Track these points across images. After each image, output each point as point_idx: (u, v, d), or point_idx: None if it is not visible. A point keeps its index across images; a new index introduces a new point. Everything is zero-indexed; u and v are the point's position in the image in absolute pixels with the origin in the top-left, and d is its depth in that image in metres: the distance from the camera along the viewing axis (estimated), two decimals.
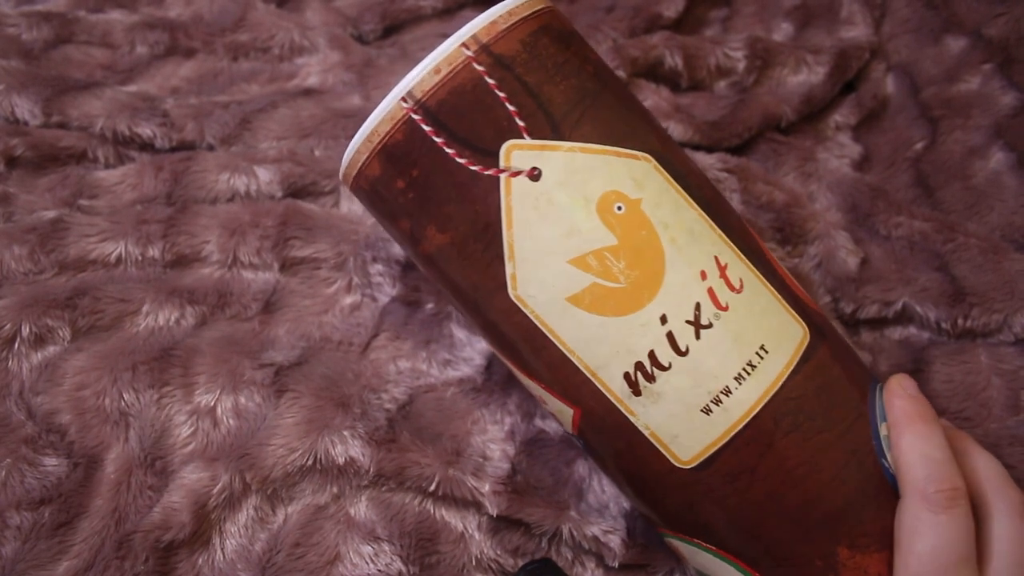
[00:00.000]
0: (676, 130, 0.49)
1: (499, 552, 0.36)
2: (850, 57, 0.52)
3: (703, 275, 0.27)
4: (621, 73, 0.50)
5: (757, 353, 0.27)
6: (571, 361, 0.28)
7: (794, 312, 0.29)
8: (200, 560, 0.35)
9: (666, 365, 0.27)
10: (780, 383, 0.27)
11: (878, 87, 0.53)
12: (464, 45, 0.27)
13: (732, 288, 0.27)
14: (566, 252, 0.27)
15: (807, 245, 0.45)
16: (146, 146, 0.47)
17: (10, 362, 0.38)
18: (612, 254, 0.27)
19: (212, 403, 0.38)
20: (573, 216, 0.27)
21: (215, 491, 0.35)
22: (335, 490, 0.37)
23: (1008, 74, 0.51)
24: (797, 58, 0.52)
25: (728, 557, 0.29)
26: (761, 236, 0.44)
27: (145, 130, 0.46)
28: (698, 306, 0.27)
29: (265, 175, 0.45)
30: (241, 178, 0.45)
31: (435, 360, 0.41)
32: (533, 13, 0.28)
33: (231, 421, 0.38)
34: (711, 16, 0.58)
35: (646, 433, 0.28)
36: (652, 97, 0.51)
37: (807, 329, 0.28)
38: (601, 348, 0.27)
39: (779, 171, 0.49)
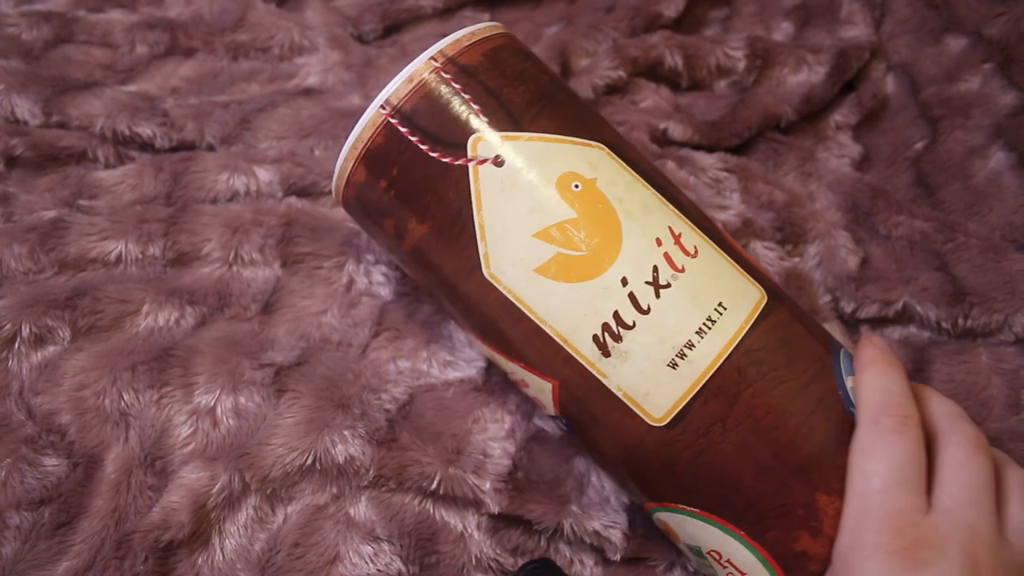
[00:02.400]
0: (676, 130, 0.49)
1: (499, 551, 0.36)
2: (850, 57, 0.52)
3: (659, 242, 0.30)
4: (621, 73, 0.50)
5: (716, 309, 0.29)
6: (544, 331, 0.30)
7: (750, 277, 0.31)
8: (199, 560, 0.35)
9: (630, 324, 0.29)
10: (741, 336, 0.29)
11: (878, 87, 0.53)
12: (432, 58, 0.31)
13: (687, 253, 0.30)
14: (531, 227, 0.30)
15: (807, 244, 0.45)
16: (146, 146, 0.47)
17: (10, 362, 0.38)
18: (573, 226, 0.29)
19: (212, 403, 0.38)
20: (535, 194, 0.30)
21: (214, 491, 0.35)
22: (335, 490, 0.37)
23: (1008, 74, 0.51)
24: (797, 58, 0.52)
25: (713, 518, 0.30)
26: (761, 235, 0.44)
27: (145, 130, 0.46)
28: (656, 268, 0.29)
29: (265, 175, 0.45)
30: (241, 178, 0.45)
31: (435, 360, 0.41)
32: (493, 35, 0.33)
33: (231, 421, 0.38)
34: (711, 16, 0.58)
35: (619, 394, 0.29)
36: (652, 97, 0.51)
37: (764, 291, 0.31)
38: (570, 314, 0.29)
39: (779, 171, 0.49)
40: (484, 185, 0.30)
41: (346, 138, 0.32)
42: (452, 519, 0.37)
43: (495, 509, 0.36)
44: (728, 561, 0.30)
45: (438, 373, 0.41)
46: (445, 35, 0.56)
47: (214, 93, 0.51)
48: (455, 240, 0.31)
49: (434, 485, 0.36)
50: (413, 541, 0.36)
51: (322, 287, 0.43)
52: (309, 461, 0.36)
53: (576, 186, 0.30)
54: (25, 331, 0.38)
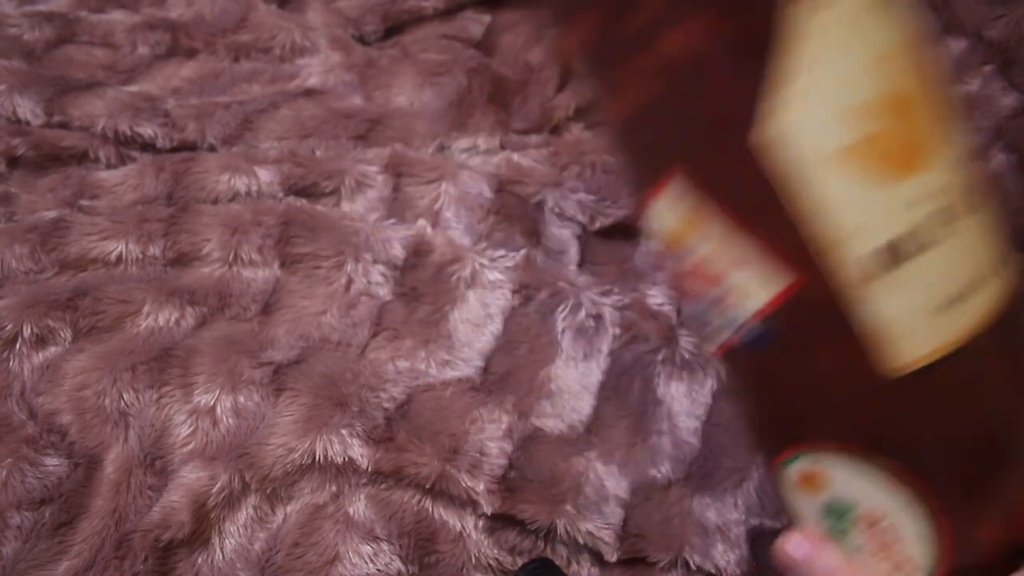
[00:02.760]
0: None
1: (498, 551, 0.36)
2: None
3: (966, 165, 0.25)
4: None
5: (998, 262, 0.25)
6: (814, 222, 0.24)
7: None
8: (199, 559, 0.35)
9: (916, 250, 0.24)
10: (1009, 299, 0.25)
11: None
12: None
13: (986, 188, 0.26)
14: (849, 96, 0.23)
15: None
16: (147, 146, 0.48)
17: (11, 363, 0.39)
18: (896, 112, 0.24)
19: (211, 402, 0.38)
20: (871, 56, 0.23)
21: (214, 490, 0.35)
22: (334, 488, 0.37)
23: (1008, 76, 0.51)
24: None
25: (908, 480, 0.26)
26: None
27: (147, 130, 0.47)
28: (962, 194, 0.24)
29: (266, 176, 0.45)
30: (242, 179, 0.45)
31: (433, 360, 0.41)
32: None
33: (230, 420, 0.38)
34: None
35: (874, 323, 0.25)
36: None
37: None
38: (854, 215, 0.24)
39: None
40: (808, 23, 0.23)
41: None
42: (451, 519, 0.37)
43: (488, 510, 0.36)
44: (887, 527, 0.26)
45: (436, 373, 0.41)
46: (447, 37, 0.56)
47: (215, 94, 0.51)
48: (740, 77, 0.23)
49: (429, 484, 0.36)
50: (412, 541, 0.36)
51: (321, 287, 0.43)
52: (308, 460, 0.36)
53: (914, 67, 0.24)
54: (27, 332, 0.39)
